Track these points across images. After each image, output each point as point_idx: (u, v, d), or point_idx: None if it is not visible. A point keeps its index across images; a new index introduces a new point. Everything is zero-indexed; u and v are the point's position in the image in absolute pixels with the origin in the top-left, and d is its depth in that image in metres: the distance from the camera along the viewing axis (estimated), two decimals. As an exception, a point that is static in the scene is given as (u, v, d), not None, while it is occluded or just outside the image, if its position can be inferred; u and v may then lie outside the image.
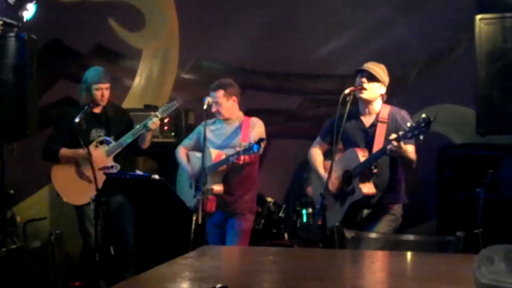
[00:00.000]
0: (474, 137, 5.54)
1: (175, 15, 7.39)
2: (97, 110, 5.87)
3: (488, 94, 5.16)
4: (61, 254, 3.37)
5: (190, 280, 2.67)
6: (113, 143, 5.74)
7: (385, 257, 3.51)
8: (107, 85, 5.80)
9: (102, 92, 5.77)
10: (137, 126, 5.71)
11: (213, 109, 5.59)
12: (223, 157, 5.42)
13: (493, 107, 5.16)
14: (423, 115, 4.29)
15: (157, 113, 5.65)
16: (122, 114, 6.00)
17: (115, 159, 5.75)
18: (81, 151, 5.62)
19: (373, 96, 4.92)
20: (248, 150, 5.11)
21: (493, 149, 6.02)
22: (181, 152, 5.80)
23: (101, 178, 5.44)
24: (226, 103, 5.59)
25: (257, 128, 5.61)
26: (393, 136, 4.47)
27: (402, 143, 4.47)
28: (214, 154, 5.47)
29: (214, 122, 5.72)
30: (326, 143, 5.16)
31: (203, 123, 5.71)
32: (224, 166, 5.43)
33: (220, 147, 5.58)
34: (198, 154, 5.66)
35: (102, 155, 5.70)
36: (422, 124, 4.28)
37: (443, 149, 6.32)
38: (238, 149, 5.21)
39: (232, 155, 5.25)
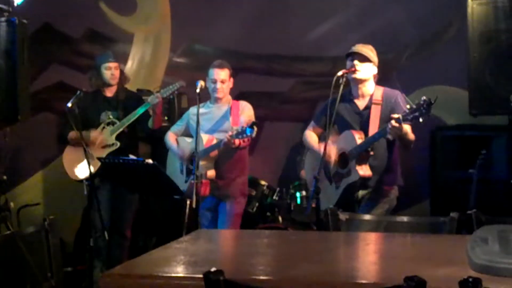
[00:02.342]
0: (466, 118, 5.56)
1: (166, -1, 7.36)
2: (109, 93, 6.02)
3: (481, 75, 5.17)
4: (55, 239, 3.38)
5: (185, 264, 2.68)
6: (118, 123, 5.88)
7: (379, 238, 3.52)
8: (116, 64, 6.01)
9: (112, 71, 5.95)
10: (139, 108, 5.83)
11: (217, 86, 5.55)
12: (214, 141, 5.41)
13: (485, 88, 5.17)
14: (424, 98, 4.20)
15: (158, 93, 5.77)
16: (134, 98, 6.08)
17: (119, 138, 5.87)
18: (86, 133, 5.81)
19: (367, 76, 4.91)
20: (241, 133, 5.08)
21: (486, 130, 6.04)
22: (170, 137, 5.81)
23: (101, 154, 5.71)
24: (228, 83, 5.61)
25: (246, 112, 5.60)
26: (395, 116, 4.44)
27: (403, 124, 4.44)
28: (205, 138, 5.45)
29: (203, 106, 5.68)
30: (320, 126, 5.14)
31: (191, 108, 5.71)
32: (216, 151, 5.42)
33: (210, 131, 5.55)
34: (188, 139, 5.65)
35: (106, 135, 5.87)
36: (423, 106, 4.21)
37: (435, 131, 6.32)
38: (230, 133, 5.19)
39: (224, 140, 5.24)
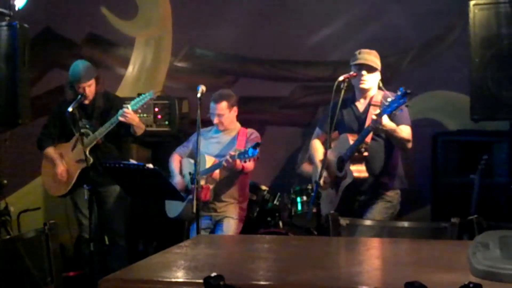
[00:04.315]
0: (468, 123, 5.54)
1: (167, 3, 7.36)
2: (86, 100, 5.80)
3: (482, 80, 5.14)
4: (55, 244, 3.37)
5: (185, 269, 2.67)
6: (91, 135, 5.70)
7: (380, 244, 3.51)
8: (90, 82, 5.72)
9: (85, 89, 5.70)
10: (111, 119, 5.64)
11: (215, 121, 5.57)
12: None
13: (487, 93, 5.15)
14: (401, 88, 4.33)
15: (128, 105, 5.58)
16: (111, 105, 5.85)
17: (94, 151, 5.69)
18: (59, 158, 5.80)
19: (373, 85, 4.95)
20: (243, 153, 5.07)
21: (487, 135, 6.03)
22: (174, 160, 5.78)
23: (75, 170, 5.68)
24: (228, 115, 5.58)
25: (253, 139, 5.57)
26: (376, 111, 4.51)
27: (384, 119, 4.48)
28: (210, 161, 5.45)
29: (210, 131, 5.68)
30: (325, 133, 5.12)
31: (201, 131, 5.67)
32: (218, 173, 5.39)
33: (217, 156, 5.54)
34: (193, 161, 5.61)
35: (80, 148, 5.60)
36: (400, 97, 4.32)
37: (437, 136, 6.31)
38: (232, 152, 5.17)
39: (225, 159, 5.23)
